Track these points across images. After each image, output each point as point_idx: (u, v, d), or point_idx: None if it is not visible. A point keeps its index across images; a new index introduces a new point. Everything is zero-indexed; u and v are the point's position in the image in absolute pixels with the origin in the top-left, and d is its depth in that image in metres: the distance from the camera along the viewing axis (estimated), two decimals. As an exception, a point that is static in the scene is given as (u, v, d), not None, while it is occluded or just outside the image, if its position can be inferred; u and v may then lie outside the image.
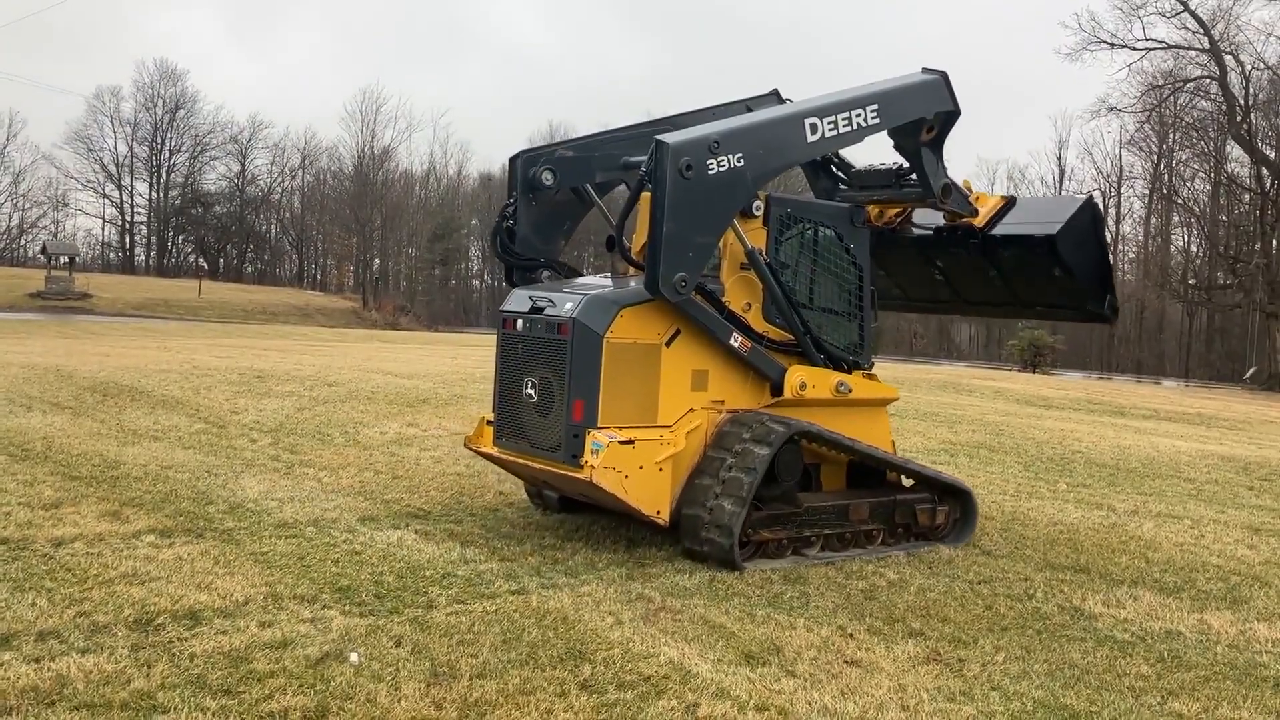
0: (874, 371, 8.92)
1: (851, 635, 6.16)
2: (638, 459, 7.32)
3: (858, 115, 8.01)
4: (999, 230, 9.46)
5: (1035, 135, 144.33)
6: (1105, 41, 52.32)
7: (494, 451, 8.31)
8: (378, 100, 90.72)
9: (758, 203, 8.03)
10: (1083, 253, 9.57)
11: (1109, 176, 73.29)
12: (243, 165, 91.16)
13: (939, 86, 8.54)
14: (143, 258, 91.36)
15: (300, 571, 6.76)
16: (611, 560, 7.48)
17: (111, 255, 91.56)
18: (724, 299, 7.91)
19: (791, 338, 8.24)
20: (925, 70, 8.60)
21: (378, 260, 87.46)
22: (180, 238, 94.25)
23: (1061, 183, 74.79)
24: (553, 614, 6.13)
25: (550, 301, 7.76)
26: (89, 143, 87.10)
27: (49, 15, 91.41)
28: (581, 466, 7.28)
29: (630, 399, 7.47)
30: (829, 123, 7.85)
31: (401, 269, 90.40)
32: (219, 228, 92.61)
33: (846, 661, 5.71)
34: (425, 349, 32.14)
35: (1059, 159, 79.24)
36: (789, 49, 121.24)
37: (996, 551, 8.60)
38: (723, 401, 7.97)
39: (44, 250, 61.66)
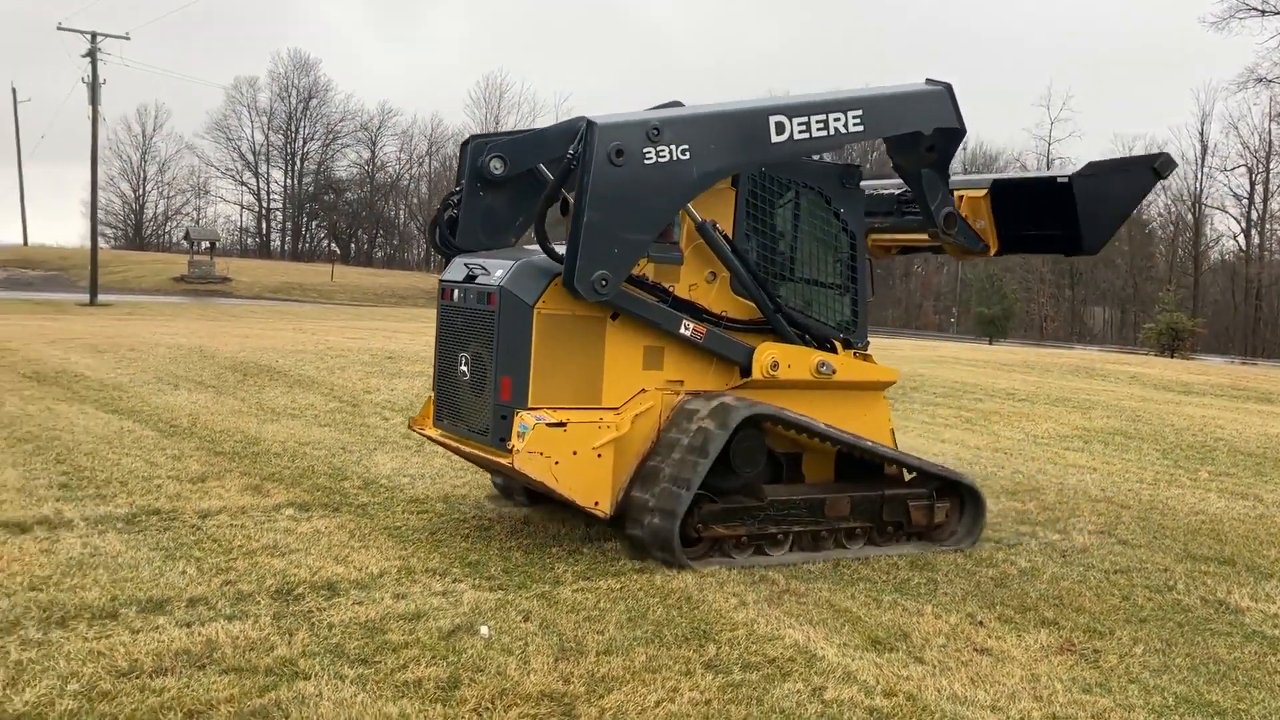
0: (870, 351, 8.02)
1: (981, 623, 6.03)
2: (570, 444, 6.63)
3: (836, 119, 7.10)
4: (1025, 241, 8.77)
5: (1176, 109, 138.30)
6: (1255, 8, 49.71)
7: (435, 434, 7.71)
8: (501, 87, 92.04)
9: None
10: (1114, 197, 8.46)
11: (1256, 152, 69.75)
12: (373, 152, 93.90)
13: (940, 99, 7.54)
14: (278, 243, 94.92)
15: (431, 546, 6.94)
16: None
17: (249, 240, 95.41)
18: (678, 271, 7.11)
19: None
20: (929, 81, 7.66)
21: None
22: (313, 223, 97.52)
23: (1203, 160, 71.41)
24: (677, 593, 6.16)
25: (483, 269, 7.07)
26: (228, 132, 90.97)
27: (190, 10, 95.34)
28: (509, 451, 6.65)
29: (568, 377, 6.79)
30: (800, 123, 6.96)
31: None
32: (350, 213, 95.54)
33: (976, 649, 5.60)
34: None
35: (1201, 134, 75.54)
36: (927, 29, 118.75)
37: (1133, 541, 8.29)
38: (682, 381, 7.18)
39: (187, 236, 64.54)
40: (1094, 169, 8.33)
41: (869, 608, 6.16)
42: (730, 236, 7.21)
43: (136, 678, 4.63)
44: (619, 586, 6.26)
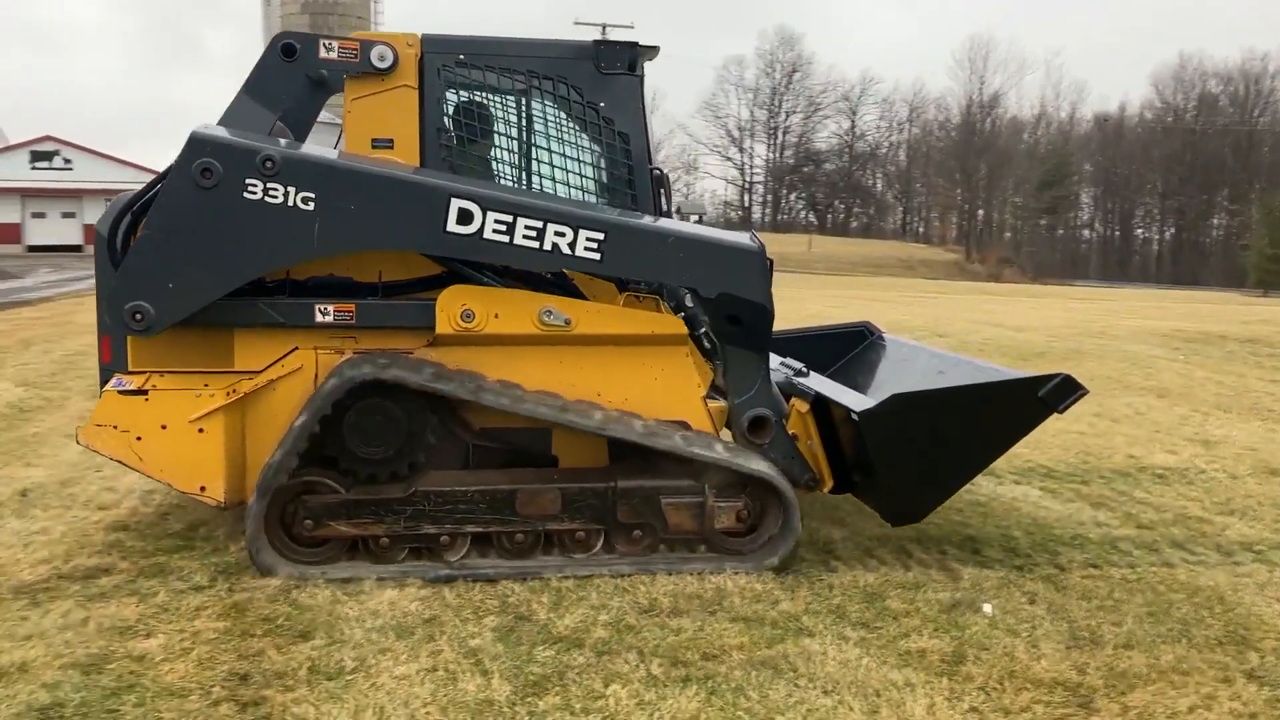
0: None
1: None
2: (156, 415, 5.38)
3: (560, 233, 5.33)
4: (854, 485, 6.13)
5: None
6: None
7: None
8: (987, 46, 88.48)
9: (384, 52, 5.59)
10: (948, 447, 5.67)
11: None
12: (852, 122, 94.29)
13: (736, 259, 5.63)
14: (758, 214, 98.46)
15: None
16: (1274, 542, 6.59)
17: (731, 213, 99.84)
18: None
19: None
20: (750, 235, 5.87)
21: (981, 211, 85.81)
22: (792, 195, 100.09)
23: None
24: (1205, 591, 5.55)
25: None
26: (716, 110, 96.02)
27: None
28: None
29: (184, 335, 5.42)
30: (499, 221, 5.29)
31: (1006, 219, 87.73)
32: (828, 184, 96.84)
33: None
34: (1033, 301, 30.96)
35: None
36: None
37: None
38: (354, 339, 5.63)
39: (678, 210, 69.06)
40: (902, 404, 5.45)
41: None
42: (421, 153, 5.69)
43: (656, 615, 4.99)
44: (1135, 578, 5.76)
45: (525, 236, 5.33)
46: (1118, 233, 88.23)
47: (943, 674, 4.46)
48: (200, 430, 5.41)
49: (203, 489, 5.45)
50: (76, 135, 59.93)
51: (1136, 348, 16.66)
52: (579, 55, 5.81)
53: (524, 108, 5.83)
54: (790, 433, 5.95)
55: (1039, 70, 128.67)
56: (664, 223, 5.76)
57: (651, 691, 4.21)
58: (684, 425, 5.76)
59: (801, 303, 24.86)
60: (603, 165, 5.94)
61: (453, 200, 5.28)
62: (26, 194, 50.18)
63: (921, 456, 5.63)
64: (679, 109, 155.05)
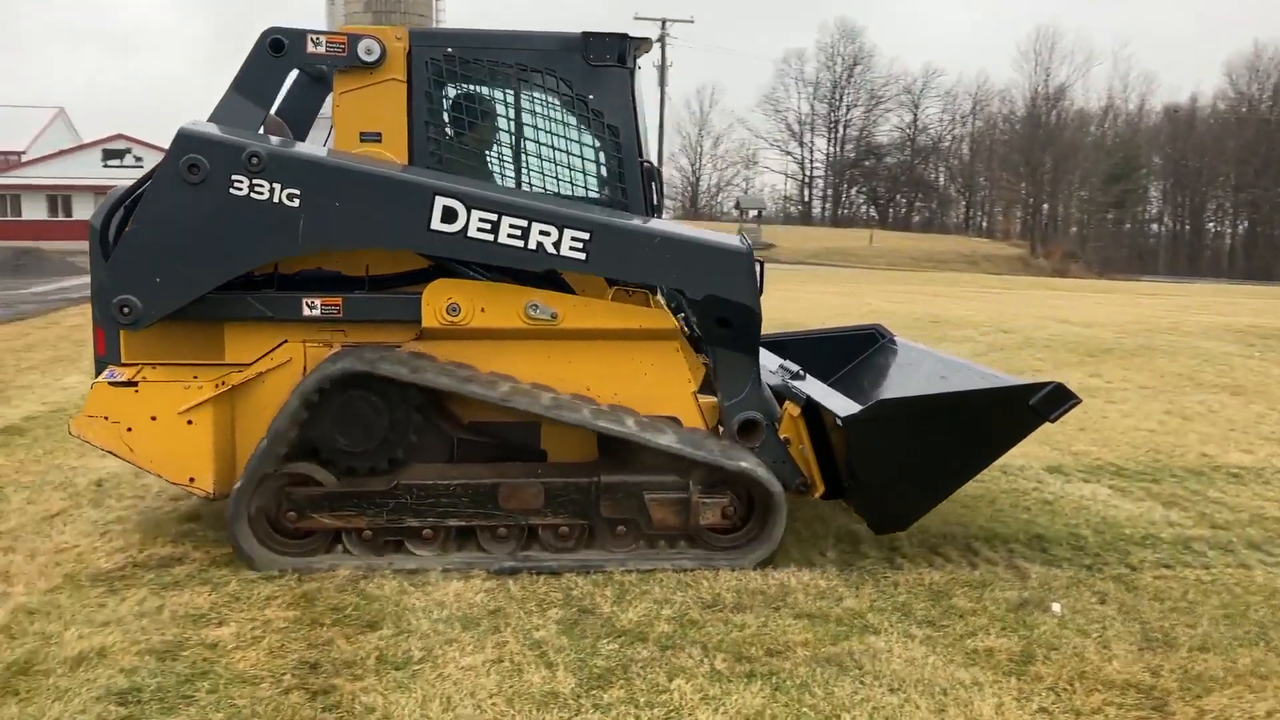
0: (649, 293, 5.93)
1: None
2: (146, 407, 5.44)
3: (544, 233, 5.32)
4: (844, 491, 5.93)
5: None
6: None
7: None
8: (1053, 37, 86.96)
9: (371, 45, 5.59)
10: (937, 454, 5.56)
11: None
12: (914, 115, 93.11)
13: (725, 260, 5.58)
14: (819, 209, 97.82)
15: (992, 515, 6.74)
16: (1355, 542, 6.41)
17: (791, 208, 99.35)
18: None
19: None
20: (739, 237, 5.79)
21: (1046, 205, 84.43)
22: (853, 189, 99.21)
23: None
24: (1284, 594, 5.42)
25: None
26: (776, 104, 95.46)
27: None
28: None
29: (175, 327, 5.49)
30: (483, 220, 5.29)
31: (1072, 213, 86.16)
32: (889, 178, 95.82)
33: None
34: (1100, 296, 30.40)
35: None
36: None
37: None
38: (343, 332, 5.66)
39: (737, 205, 68.71)
40: (888, 410, 5.50)
41: None
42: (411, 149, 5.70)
43: (719, 611, 4.98)
44: (1209, 579, 5.63)
45: (510, 235, 5.36)
46: (1188, 227, 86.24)
47: (1011, 674, 4.40)
48: (189, 422, 5.48)
49: (191, 480, 5.54)
50: (147, 134, 61.25)
51: (1209, 344, 16.29)
52: (567, 48, 5.75)
53: (513, 101, 5.82)
54: (782, 437, 5.87)
55: (1106, 61, 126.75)
56: (652, 223, 5.71)
57: (716, 686, 4.20)
58: (675, 421, 5.77)
59: (861, 298, 24.70)
60: (592, 158, 5.88)
61: (437, 198, 5.31)
62: (99, 191, 51.34)
63: (908, 463, 5.54)
64: (739, 103, 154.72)
